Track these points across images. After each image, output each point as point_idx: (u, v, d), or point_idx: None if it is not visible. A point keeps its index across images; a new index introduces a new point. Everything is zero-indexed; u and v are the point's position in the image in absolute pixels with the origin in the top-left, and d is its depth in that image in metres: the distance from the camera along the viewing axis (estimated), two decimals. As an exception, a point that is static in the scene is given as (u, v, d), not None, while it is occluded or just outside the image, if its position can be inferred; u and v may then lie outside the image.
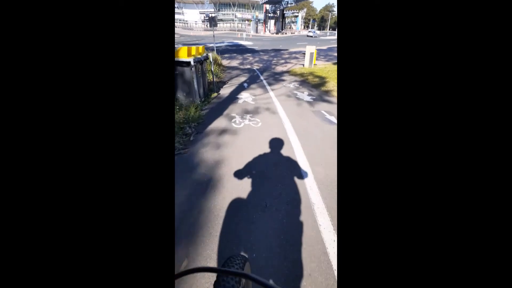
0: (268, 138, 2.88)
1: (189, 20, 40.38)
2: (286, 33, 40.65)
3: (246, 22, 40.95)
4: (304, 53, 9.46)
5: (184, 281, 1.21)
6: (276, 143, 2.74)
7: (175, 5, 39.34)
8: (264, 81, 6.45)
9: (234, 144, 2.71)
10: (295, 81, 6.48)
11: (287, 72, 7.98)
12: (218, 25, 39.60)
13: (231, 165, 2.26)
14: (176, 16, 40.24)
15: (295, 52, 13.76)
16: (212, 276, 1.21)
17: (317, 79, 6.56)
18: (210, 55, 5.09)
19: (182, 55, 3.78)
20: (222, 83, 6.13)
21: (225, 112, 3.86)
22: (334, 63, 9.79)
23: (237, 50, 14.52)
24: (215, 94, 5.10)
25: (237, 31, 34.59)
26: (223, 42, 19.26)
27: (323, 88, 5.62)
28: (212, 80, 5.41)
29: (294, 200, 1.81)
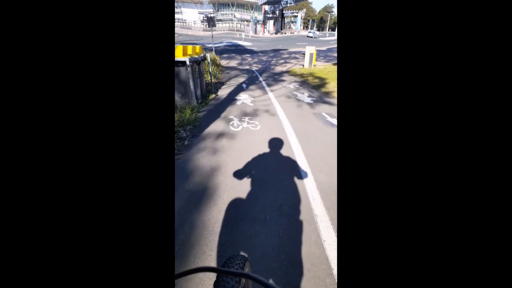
0: (268, 142, 2.74)
1: (187, 19, 40.42)
2: (285, 33, 40.63)
3: (245, 22, 41.01)
4: (304, 53, 9.37)
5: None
6: (276, 148, 2.60)
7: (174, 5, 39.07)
8: (263, 82, 6.32)
9: (231, 149, 2.56)
10: (295, 81, 6.34)
11: (287, 72, 7.85)
12: (217, 25, 39.64)
13: (228, 172, 2.11)
14: (175, 16, 40.27)
15: (295, 52, 13.66)
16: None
17: (317, 80, 6.43)
18: (208, 55, 4.94)
19: (178, 54, 3.63)
20: (220, 84, 5.98)
21: (223, 114, 3.71)
22: (334, 64, 9.68)
23: (236, 50, 14.42)
24: (213, 95, 4.96)
25: (236, 31, 34.50)
26: (221, 42, 19.14)
27: (324, 90, 5.49)
28: (210, 81, 5.26)
29: (295, 212, 1.67)
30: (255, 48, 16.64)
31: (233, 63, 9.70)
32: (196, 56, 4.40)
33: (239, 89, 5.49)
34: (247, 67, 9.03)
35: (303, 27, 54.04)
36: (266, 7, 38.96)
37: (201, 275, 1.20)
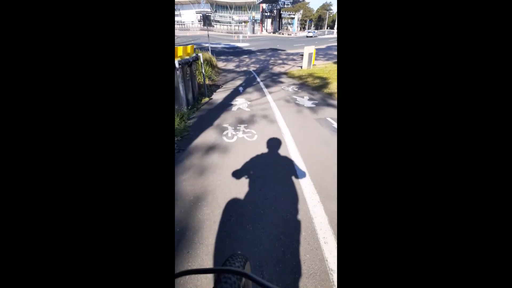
0: (265, 157, 2.34)
1: (185, 21, 40.42)
2: (283, 34, 40.26)
3: (243, 23, 40.89)
4: (302, 55, 9.00)
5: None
6: (275, 165, 2.20)
7: (173, 8, 39.43)
8: (261, 83, 5.92)
9: (222, 167, 2.16)
10: (294, 84, 5.94)
11: (285, 73, 7.44)
12: (215, 26, 39.58)
13: (217, 202, 1.69)
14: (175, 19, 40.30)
15: (292, 54, 13.24)
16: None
17: (317, 81, 6.03)
18: (201, 55, 4.54)
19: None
20: (216, 87, 5.59)
21: (216, 122, 3.31)
22: (334, 62, 9.28)
23: (234, 52, 14.02)
24: (207, 99, 4.56)
25: (234, 33, 34.14)
26: (219, 44, 18.78)
27: (326, 90, 5.09)
28: (203, 83, 4.86)
29: (302, 266, 1.27)
30: (252, 48, 16.28)
31: (231, 65, 9.30)
32: (187, 57, 4.01)
33: (235, 92, 5.09)
34: (245, 68, 8.64)
35: (300, 29, 53.85)
36: (264, 5, 38.80)
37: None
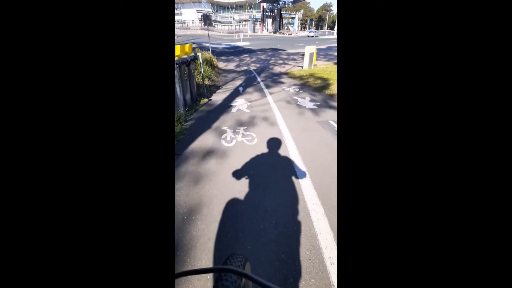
0: (265, 163, 2.21)
1: (186, 19, 40.36)
2: (283, 34, 40.09)
3: (244, 23, 40.82)
4: (302, 54, 8.86)
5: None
6: (275, 172, 2.07)
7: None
8: (262, 83, 5.79)
9: (220, 175, 2.02)
10: (294, 84, 5.80)
11: (286, 74, 7.30)
12: (216, 27, 39.49)
13: (212, 215, 1.55)
14: (175, 18, 40.33)
15: (293, 54, 13.10)
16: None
17: (319, 81, 5.90)
18: (199, 54, 4.40)
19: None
20: (215, 87, 5.45)
21: (215, 125, 3.18)
22: (335, 63, 9.14)
23: (234, 52, 13.88)
24: (206, 100, 4.43)
25: (235, 33, 33.98)
26: (220, 44, 18.60)
27: (328, 92, 4.95)
28: (202, 83, 4.72)
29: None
30: (253, 47, 16.13)
31: (231, 65, 9.16)
32: (185, 56, 3.87)
33: (235, 93, 4.95)
34: (245, 67, 8.50)
35: (301, 28, 53.75)
36: (265, 5, 38.72)
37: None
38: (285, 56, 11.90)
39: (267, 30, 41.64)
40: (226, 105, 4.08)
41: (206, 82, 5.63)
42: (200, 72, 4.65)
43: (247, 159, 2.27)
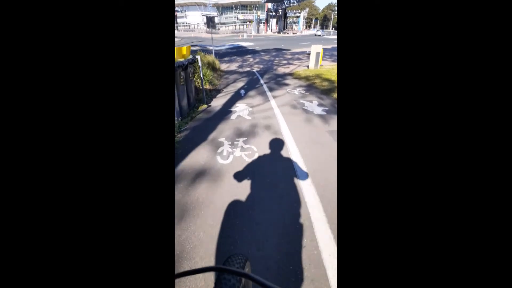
0: (267, 185, 1.87)
1: (191, 22, 40.56)
2: (288, 33, 39.69)
3: (248, 23, 40.69)
4: (308, 54, 8.49)
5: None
6: (280, 203, 1.72)
7: (179, 9, 39.72)
8: (265, 86, 5.45)
9: (210, 208, 1.67)
10: (300, 86, 5.44)
11: (290, 75, 6.94)
12: (220, 28, 39.49)
13: (194, 277, 1.24)
14: (179, 20, 40.60)
15: (298, 53, 12.72)
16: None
17: (326, 83, 5.52)
18: (199, 57, 4.09)
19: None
20: (216, 92, 5.14)
21: (211, 136, 2.86)
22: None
23: (237, 52, 13.61)
24: (205, 106, 4.12)
25: (238, 32, 33.82)
26: (223, 45, 18.36)
27: (336, 95, 4.57)
28: (201, 87, 4.41)
29: None
30: (257, 48, 15.81)
31: (234, 66, 8.86)
32: (182, 60, 3.58)
33: (236, 97, 4.63)
34: (248, 68, 8.18)
35: (306, 27, 53.21)
36: (269, 5, 38.45)
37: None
38: (289, 56, 11.53)
39: (271, 31, 41.35)
40: (226, 111, 3.76)
41: (207, 86, 5.33)
42: (200, 76, 4.35)
43: (245, 183, 1.93)
